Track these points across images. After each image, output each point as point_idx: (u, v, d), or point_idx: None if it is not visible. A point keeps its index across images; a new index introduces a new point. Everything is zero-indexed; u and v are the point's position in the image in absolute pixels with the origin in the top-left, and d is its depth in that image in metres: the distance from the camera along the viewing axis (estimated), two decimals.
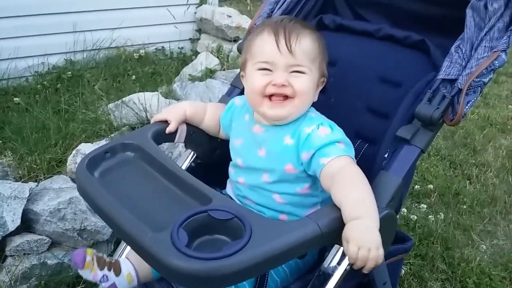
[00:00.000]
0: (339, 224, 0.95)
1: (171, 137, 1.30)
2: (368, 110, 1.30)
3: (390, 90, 1.27)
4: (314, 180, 1.13)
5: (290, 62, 1.09)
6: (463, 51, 1.08)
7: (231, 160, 1.28)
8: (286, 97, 1.10)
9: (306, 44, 1.10)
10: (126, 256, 1.23)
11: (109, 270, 1.13)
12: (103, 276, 1.12)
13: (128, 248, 1.31)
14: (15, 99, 3.04)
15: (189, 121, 1.29)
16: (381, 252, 0.94)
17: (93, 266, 1.11)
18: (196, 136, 1.34)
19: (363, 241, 0.93)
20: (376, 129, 1.25)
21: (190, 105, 1.30)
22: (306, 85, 1.10)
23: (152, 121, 1.29)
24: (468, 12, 1.10)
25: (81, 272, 1.12)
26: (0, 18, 3.18)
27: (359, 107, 1.31)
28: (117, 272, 1.14)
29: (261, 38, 1.12)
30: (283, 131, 1.14)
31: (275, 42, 1.09)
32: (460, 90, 1.07)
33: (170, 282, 1.18)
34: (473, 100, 1.07)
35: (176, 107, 1.29)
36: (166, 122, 1.26)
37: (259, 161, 1.16)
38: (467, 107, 1.07)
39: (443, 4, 1.26)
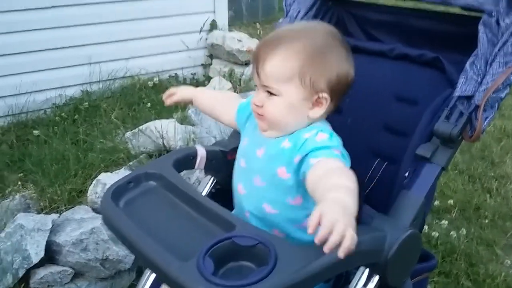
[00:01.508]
0: (365, 246, 0.95)
1: (191, 164, 1.32)
2: (386, 129, 1.30)
3: (407, 108, 1.28)
4: (306, 191, 1.08)
5: (260, 83, 1.11)
6: (478, 67, 1.09)
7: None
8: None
9: (271, 66, 1.07)
10: None
11: None
12: None
13: (151, 279, 1.32)
14: (34, 131, 3.11)
15: (194, 105, 1.40)
16: (352, 232, 0.82)
17: None
18: (216, 162, 1.36)
19: (333, 211, 0.82)
20: (395, 148, 1.26)
21: (199, 92, 1.40)
22: (274, 108, 1.09)
23: (165, 97, 1.39)
24: (481, 28, 1.11)
25: None
26: (19, 53, 3.28)
27: (376, 126, 1.32)
28: None
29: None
30: (283, 136, 1.13)
31: (252, 64, 1.13)
32: (477, 106, 1.07)
33: None
34: (491, 116, 1.07)
35: (187, 88, 1.42)
36: (185, 152, 1.29)
37: (256, 161, 1.16)
38: (485, 123, 1.07)
39: (455, 21, 1.28)
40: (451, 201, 2.49)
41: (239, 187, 1.20)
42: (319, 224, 0.82)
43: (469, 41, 1.16)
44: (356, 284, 1.04)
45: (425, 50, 1.29)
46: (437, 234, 2.21)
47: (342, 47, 1.12)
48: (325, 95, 1.08)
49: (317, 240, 0.81)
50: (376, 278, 1.04)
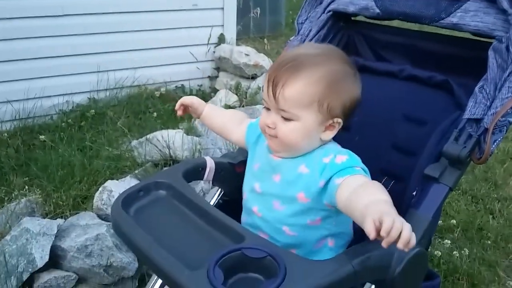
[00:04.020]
0: (373, 262, 0.96)
1: (200, 175, 1.34)
2: (394, 148, 1.32)
3: (415, 128, 1.30)
4: (326, 212, 1.13)
5: (277, 107, 1.11)
6: (487, 91, 1.12)
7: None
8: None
9: (292, 92, 1.08)
10: None
11: None
12: None
13: (156, 286, 1.33)
14: (40, 136, 3.13)
15: (202, 118, 1.42)
16: (408, 224, 0.86)
17: None
18: (224, 174, 1.38)
19: (388, 212, 0.88)
20: (402, 167, 1.27)
21: (209, 107, 1.42)
22: (289, 132, 1.11)
23: (178, 105, 1.40)
24: (491, 53, 1.14)
25: None
26: (28, 59, 3.31)
27: (384, 145, 1.34)
28: None
29: (265, 80, 1.17)
30: (298, 160, 1.15)
31: (267, 87, 1.12)
32: (486, 129, 1.09)
33: None
34: (499, 139, 1.09)
35: (200, 101, 1.43)
36: (195, 163, 1.31)
37: (273, 187, 1.18)
38: (493, 146, 1.09)
39: (465, 45, 1.30)
40: (453, 221, 2.49)
41: (255, 209, 1.21)
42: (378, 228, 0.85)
43: (478, 65, 1.19)
44: None
45: (434, 72, 1.32)
46: (439, 253, 2.22)
47: (353, 72, 1.16)
48: (339, 120, 1.13)
49: (384, 243, 0.85)
50: None
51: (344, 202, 1.03)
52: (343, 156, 1.10)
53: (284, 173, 1.16)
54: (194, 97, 1.42)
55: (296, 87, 1.08)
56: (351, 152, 1.13)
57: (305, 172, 1.13)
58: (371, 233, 0.85)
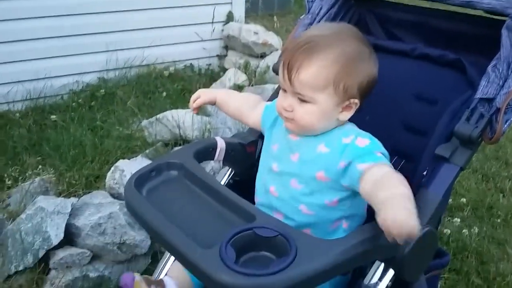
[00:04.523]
0: (383, 241, 0.97)
1: (211, 155, 1.35)
2: (404, 127, 1.32)
3: (426, 107, 1.29)
4: (344, 193, 1.14)
5: (293, 90, 1.11)
6: (500, 70, 1.10)
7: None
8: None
9: (307, 75, 1.08)
10: (168, 275, 1.26)
11: None
12: None
13: (167, 267, 1.36)
14: (51, 116, 3.16)
15: (218, 105, 1.42)
16: (417, 228, 0.89)
17: (142, 286, 1.15)
18: (235, 154, 1.39)
19: (402, 213, 0.90)
20: (413, 146, 1.27)
21: (222, 93, 1.43)
22: (306, 115, 1.11)
23: (190, 102, 1.41)
24: (504, 32, 1.12)
25: None
26: (38, 39, 3.32)
27: (395, 124, 1.33)
28: None
29: (281, 63, 1.16)
30: (317, 140, 1.15)
31: (282, 70, 1.12)
32: (498, 109, 1.08)
33: None
34: (511, 119, 1.08)
35: (210, 89, 1.44)
36: (206, 143, 1.32)
37: (291, 166, 1.18)
38: (505, 126, 1.08)
39: (478, 23, 1.28)
40: (464, 200, 2.50)
41: (271, 189, 1.22)
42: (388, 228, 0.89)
43: (491, 44, 1.17)
44: (371, 278, 1.07)
45: (446, 51, 1.30)
46: (449, 232, 2.23)
47: (369, 50, 1.15)
48: (356, 100, 1.13)
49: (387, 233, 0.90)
50: (391, 273, 1.07)
51: (367, 191, 1.03)
52: (365, 139, 1.10)
53: (302, 152, 1.16)
54: (201, 91, 1.42)
55: (311, 70, 1.08)
56: (372, 135, 1.13)
57: (324, 151, 1.13)
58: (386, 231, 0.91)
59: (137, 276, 1.16)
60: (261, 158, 1.29)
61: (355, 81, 1.11)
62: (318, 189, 1.14)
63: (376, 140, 1.12)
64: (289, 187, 1.17)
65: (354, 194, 1.11)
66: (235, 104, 1.41)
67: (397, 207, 0.92)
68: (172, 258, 1.36)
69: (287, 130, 1.21)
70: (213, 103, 1.42)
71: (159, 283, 1.19)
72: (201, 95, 1.40)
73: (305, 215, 1.16)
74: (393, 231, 0.88)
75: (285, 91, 1.14)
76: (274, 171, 1.22)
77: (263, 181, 1.26)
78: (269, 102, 1.35)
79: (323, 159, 1.13)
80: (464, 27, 1.32)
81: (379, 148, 1.10)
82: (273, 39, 3.83)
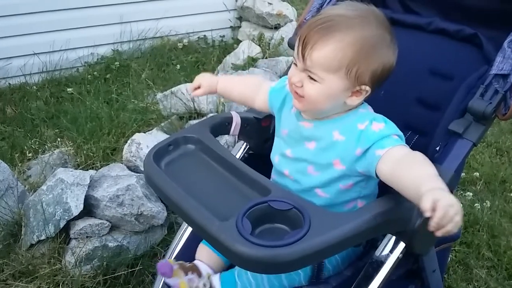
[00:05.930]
0: (394, 215, 1.00)
1: (226, 130, 1.38)
2: (419, 102, 1.32)
3: (441, 82, 1.29)
4: (359, 178, 1.14)
5: (303, 67, 1.09)
6: None
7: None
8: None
9: (320, 55, 1.05)
10: (198, 258, 1.29)
11: (193, 273, 1.21)
12: (189, 280, 1.20)
13: (179, 247, 1.41)
14: (68, 89, 3.20)
15: (220, 94, 1.41)
16: (458, 219, 0.90)
17: (181, 274, 1.19)
18: (250, 128, 1.41)
19: (447, 197, 0.89)
20: (427, 121, 1.28)
21: (222, 82, 1.39)
22: (314, 93, 1.09)
23: (190, 90, 1.40)
24: None
25: (169, 280, 1.20)
26: (51, 11, 3.33)
27: (409, 99, 1.33)
28: (199, 274, 1.22)
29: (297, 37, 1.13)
30: (331, 126, 1.14)
31: (297, 45, 1.10)
32: None
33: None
34: None
35: (210, 77, 1.39)
36: (221, 118, 1.34)
37: (307, 153, 1.17)
38: None
39: None
40: (477, 174, 2.50)
41: (286, 172, 1.22)
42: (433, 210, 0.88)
43: (508, 18, 1.16)
44: (382, 250, 1.10)
45: (463, 26, 1.29)
46: (461, 205, 2.24)
47: (390, 38, 1.10)
48: (368, 88, 1.09)
49: (432, 227, 0.89)
50: (401, 245, 1.10)
51: (387, 175, 1.02)
52: (380, 123, 1.08)
53: (319, 141, 1.15)
54: (201, 78, 1.38)
55: (325, 50, 1.05)
56: (386, 118, 1.11)
57: (340, 139, 1.11)
58: (427, 212, 0.88)
59: (175, 265, 1.21)
60: (274, 140, 1.30)
61: (369, 68, 1.07)
62: (335, 176, 1.14)
63: (391, 122, 1.11)
64: (306, 173, 1.17)
65: (369, 177, 1.11)
66: (237, 92, 1.40)
67: (440, 187, 0.92)
68: (189, 229, 1.41)
69: (297, 116, 1.20)
70: (214, 93, 1.41)
71: (194, 268, 1.23)
72: (201, 85, 1.37)
73: (320, 198, 1.17)
74: (450, 212, 0.88)
75: (296, 65, 1.12)
76: (288, 156, 1.22)
77: (277, 163, 1.26)
78: (273, 83, 1.33)
79: (339, 147, 1.11)
80: (482, 1, 1.30)
81: (395, 131, 1.08)
82: (288, 10, 3.78)
